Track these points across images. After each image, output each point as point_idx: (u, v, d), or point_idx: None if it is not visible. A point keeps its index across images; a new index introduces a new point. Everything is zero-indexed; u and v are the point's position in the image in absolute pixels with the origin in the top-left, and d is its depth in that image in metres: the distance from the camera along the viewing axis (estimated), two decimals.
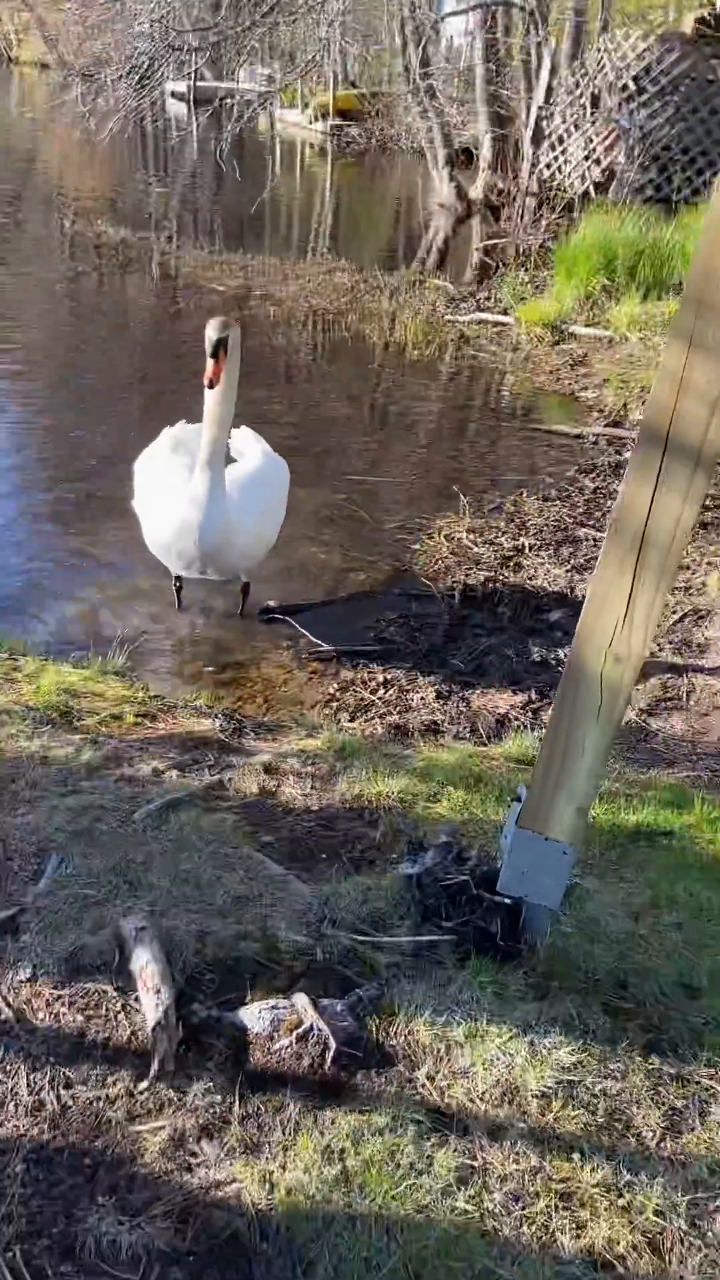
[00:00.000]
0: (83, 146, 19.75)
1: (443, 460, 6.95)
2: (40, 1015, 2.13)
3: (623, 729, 3.84)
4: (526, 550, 5.35)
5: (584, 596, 4.65)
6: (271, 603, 4.78)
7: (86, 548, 5.26)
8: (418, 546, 5.42)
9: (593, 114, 13.61)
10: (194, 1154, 1.90)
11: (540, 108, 13.96)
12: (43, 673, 3.64)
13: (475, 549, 5.35)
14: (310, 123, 25.05)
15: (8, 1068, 2.02)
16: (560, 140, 14.02)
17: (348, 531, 5.60)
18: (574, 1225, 1.83)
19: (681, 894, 2.65)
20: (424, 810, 2.91)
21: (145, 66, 12.00)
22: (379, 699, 4.05)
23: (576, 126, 13.80)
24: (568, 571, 5.13)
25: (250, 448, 4.87)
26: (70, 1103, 1.97)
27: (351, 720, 3.89)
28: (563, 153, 14.05)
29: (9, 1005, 2.14)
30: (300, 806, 2.93)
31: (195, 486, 4.07)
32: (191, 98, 22.19)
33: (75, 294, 10.58)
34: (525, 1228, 1.82)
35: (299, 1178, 1.85)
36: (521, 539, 5.47)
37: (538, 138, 14.06)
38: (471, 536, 5.47)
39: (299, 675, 4.29)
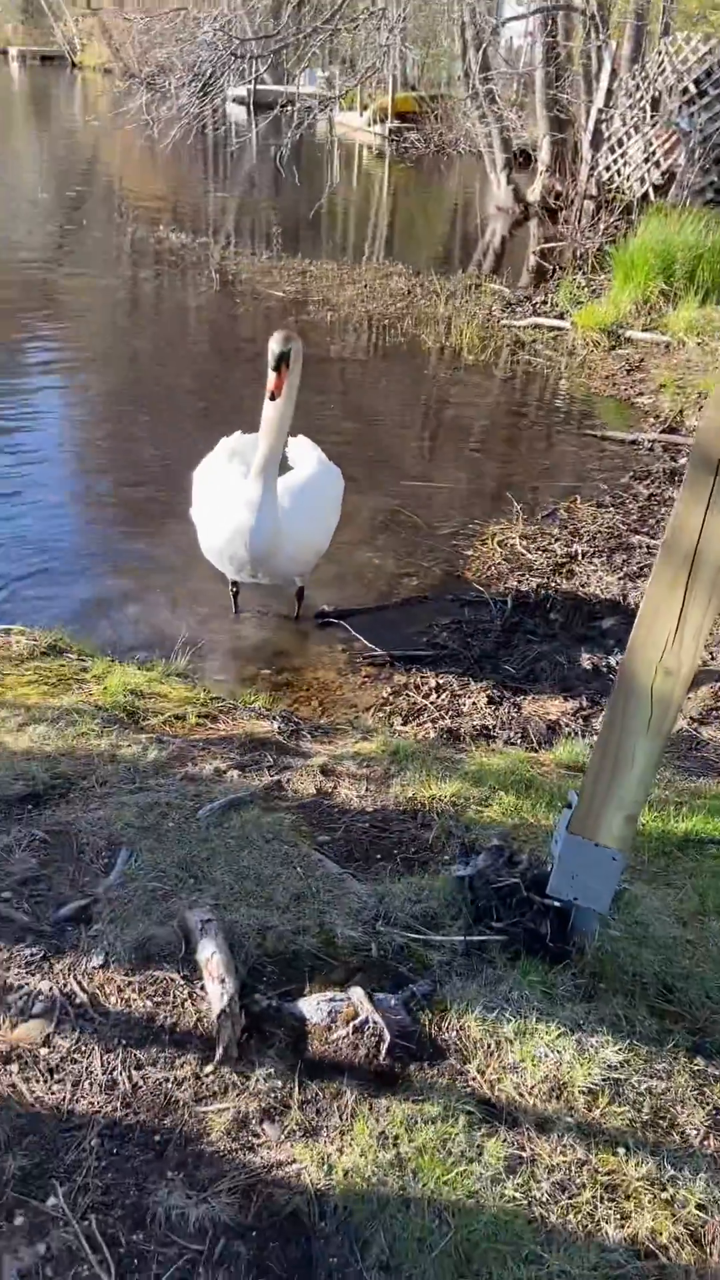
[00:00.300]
0: (144, 151, 20.08)
1: (497, 465, 7.02)
2: (112, 1000, 2.25)
3: (673, 737, 3.89)
4: (579, 557, 5.41)
5: (636, 604, 4.70)
6: (326, 607, 4.90)
7: (147, 551, 5.41)
8: (471, 552, 5.50)
9: (653, 117, 13.56)
10: (256, 1135, 2.01)
11: (600, 111, 13.94)
12: (110, 674, 3.79)
13: (528, 555, 5.41)
14: (369, 126, 25.17)
15: (83, 1048, 2.14)
16: (620, 143, 13.98)
17: (402, 537, 5.69)
18: (618, 1216, 1.91)
19: None
20: (475, 814, 3.00)
21: (208, 74, 12.19)
22: (431, 703, 4.14)
23: (636, 129, 13.74)
24: (620, 579, 5.18)
25: (306, 456, 4.98)
26: (141, 1083, 2.09)
27: (404, 724, 3.99)
28: (622, 155, 14.00)
29: (83, 990, 2.26)
30: (356, 808, 3.03)
31: (248, 493, 4.19)
32: (251, 102, 22.46)
33: (135, 298, 10.80)
34: (571, 1216, 1.90)
35: (356, 1161, 1.95)
36: (575, 546, 5.53)
37: (597, 141, 14.04)
38: (524, 543, 5.54)
39: (353, 679, 4.40)
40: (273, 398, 4.04)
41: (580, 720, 4.02)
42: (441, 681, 4.31)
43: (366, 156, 23.74)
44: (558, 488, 6.46)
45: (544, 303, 10.55)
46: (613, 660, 4.43)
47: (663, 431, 7.38)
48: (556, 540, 5.61)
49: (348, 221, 16.27)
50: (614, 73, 13.89)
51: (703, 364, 8.36)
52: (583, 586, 5.12)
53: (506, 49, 21.30)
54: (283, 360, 3.99)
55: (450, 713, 4.07)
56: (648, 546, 5.52)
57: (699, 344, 8.74)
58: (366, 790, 3.11)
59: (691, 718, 4.01)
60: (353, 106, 26.08)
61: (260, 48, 12.75)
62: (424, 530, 5.78)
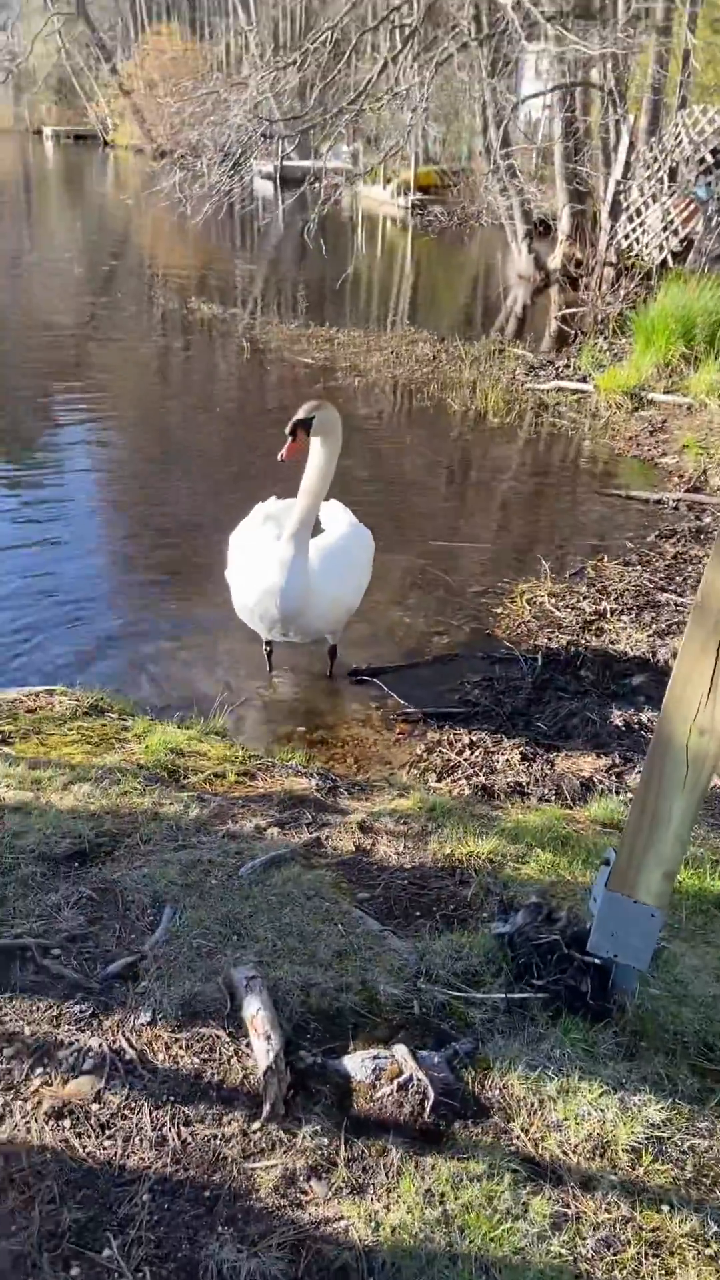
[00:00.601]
0: (175, 227, 20.74)
1: (523, 525, 7.13)
2: (160, 1057, 2.30)
3: (710, 795, 3.91)
4: (608, 615, 5.47)
5: (666, 661, 4.76)
6: (359, 665, 4.98)
7: (183, 612, 5.53)
8: (500, 610, 5.58)
9: (670, 186, 13.88)
10: (304, 1192, 2.04)
11: (618, 182, 14.29)
12: (150, 733, 3.87)
13: (557, 613, 5.49)
14: (392, 199, 25.87)
15: (133, 1104, 2.18)
16: (638, 212, 14.30)
17: (431, 596, 5.78)
18: (663, 1272, 1.92)
19: None
20: (513, 871, 3.04)
21: (239, 154, 12.65)
22: (465, 760, 4.19)
23: (654, 199, 14.07)
24: (649, 636, 5.23)
25: (338, 519, 5.11)
26: (189, 1139, 2.12)
27: (439, 780, 4.04)
28: (640, 224, 14.32)
29: (132, 1046, 2.31)
30: (394, 864, 3.08)
31: (280, 553, 4.31)
32: (278, 178, 23.17)
33: (167, 366, 11.10)
34: (617, 1272, 1.91)
35: (403, 1217, 1.97)
36: (603, 603, 5.60)
37: (616, 210, 14.38)
38: (553, 600, 5.62)
39: (387, 735, 4.46)
40: (282, 460, 4.19)
41: (614, 777, 4.05)
42: (475, 738, 4.37)
43: (390, 228, 24.38)
44: (584, 546, 6.55)
45: (566, 366, 10.75)
46: (644, 717, 4.47)
47: (687, 490, 7.47)
48: (585, 598, 5.69)
49: (372, 291, 16.67)
50: (631, 145, 14.26)
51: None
52: (612, 644, 5.17)
53: (526, 122, 21.92)
54: (299, 426, 4.14)
55: (484, 769, 4.11)
56: (676, 604, 5.58)
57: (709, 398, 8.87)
58: (404, 847, 3.16)
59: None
60: (376, 181, 26.82)
61: (288, 128, 13.25)
62: (453, 589, 5.88)
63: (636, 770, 4.04)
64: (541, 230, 17.37)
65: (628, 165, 14.27)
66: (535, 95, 16.90)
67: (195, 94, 14.54)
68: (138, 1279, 1.87)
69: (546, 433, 9.04)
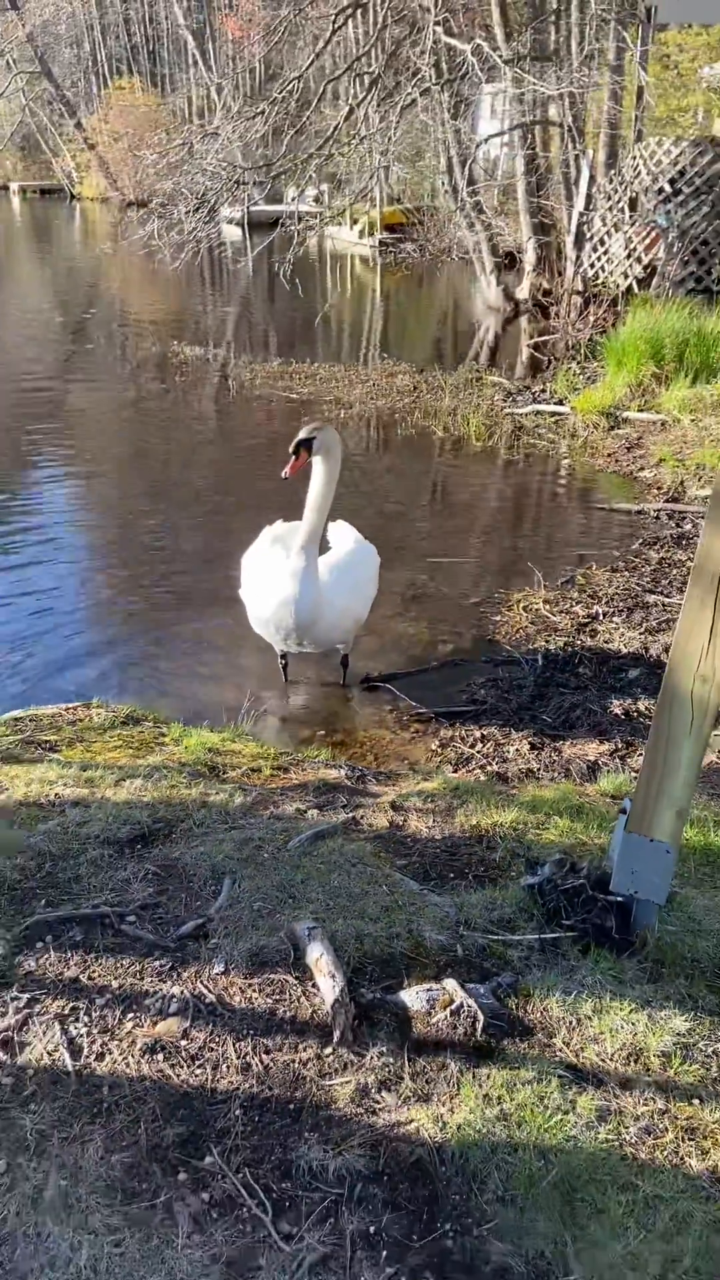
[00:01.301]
0: (145, 274, 21.24)
1: (513, 540, 7.47)
2: (236, 999, 2.56)
3: (706, 770, 4.22)
4: (600, 617, 5.80)
5: (659, 656, 5.07)
6: (371, 672, 5.27)
7: (196, 632, 5.82)
8: (499, 618, 5.90)
9: (632, 216, 14.44)
10: (377, 1102, 2.31)
11: (581, 213, 14.86)
12: (186, 736, 4.15)
13: (553, 618, 5.81)
14: (360, 238, 26.50)
15: (217, 1039, 2.45)
16: (602, 242, 14.85)
17: (433, 607, 6.10)
18: (699, 1151, 2.19)
19: None
20: (535, 836, 3.33)
21: (214, 201, 13.11)
22: (478, 752, 4.48)
23: (617, 228, 14.62)
24: (641, 634, 5.56)
25: (344, 537, 5.43)
26: (271, 1064, 2.39)
27: (454, 771, 4.32)
28: (605, 253, 14.86)
29: (210, 991, 2.58)
30: (426, 836, 3.36)
31: (292, 566, 4.62)
32: (246, 223, 23.79)
33: (154, 409, 11.44)
34: (658, 1153, 2.18)
35: (466, 1118, 2.24)
36: (595, 607, 5.93)
37: (580, 240, 14.94)
38: (548, 607, 5.94)
39: (402, 735, 4.75)
40: (285, 477, 4.51)
41: (618, 760, 4.35)
42: (485, 733, 4.66)
43: (359, 266, 24.97)
44: (573, 556, 6.89)
45: (543, 391, 11.18)
46: (641, 706, 4.78)
47: (666, 501, 7.84)
48: (577, 603, 6.02)
49: (345, 328, 17.12)
50: (592, 178, 14.85)
51: (698, 438, 8.89)
52: (606, 643, 5.49)
53: (486, 159, 22.60)
54: (302, 446, 4.47)
55: (496, 759, 4.41)
56: (664, 604, 5.92)
57: (692, 420, 9.29)
58: (434, 821, 3.44)
59: None
60: (344, 222, 27.47)
61: (258, 175, 13.75)
62: (453, 600, 6.19)
63: (639, 753, 4.34)
64: (508, 263, 17.93)
65: (589, 197, 14.84)
66: (497, 134, 17.53)
67: (166, 145, 15.05)
68: (238, 1178, 2.13)
69: (527, 453, 9.42)
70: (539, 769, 4.30)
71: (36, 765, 3.73)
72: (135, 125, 38.91)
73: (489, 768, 4.32)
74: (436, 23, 13.81)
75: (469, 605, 6.12)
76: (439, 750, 4.56)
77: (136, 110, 41.46)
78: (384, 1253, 2.00)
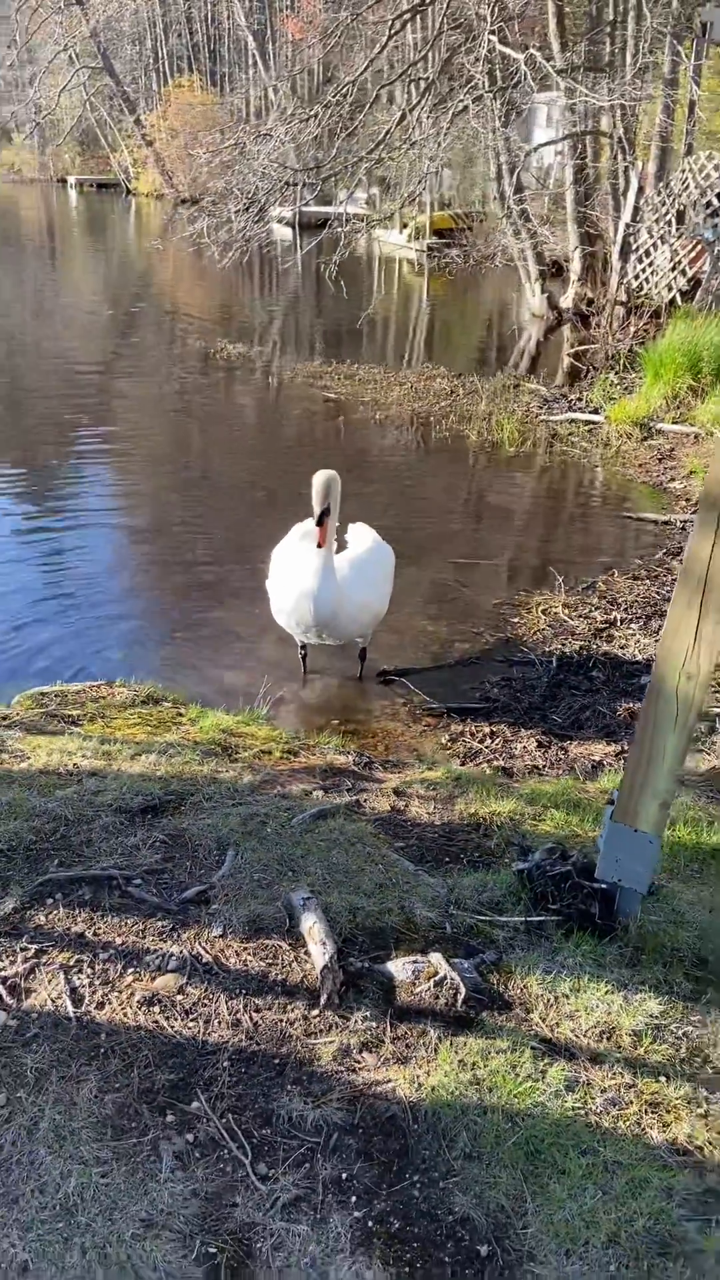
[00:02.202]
0: (195, 271, 21.52)
1: (538, 544, 7.57)
2: (231, 961, 2.70)
3: (707, 775, 4.30)
4: (618, 623, 5.88)
5: None
6: (387, 667, 5.40)
7: (221, 621, 5.97)
8: (517, 619, 6.00)
9: (678, 229, 14.46)
10: (358, 1061, 2.43)
11: (628, 224, 14.90)
12: (203, 718, 4.31)
13: (570, 622, 5.90)
14: (408, 242, 26.63)
15: (211, 996, 2.59)
16: (647, 253, 14.88)
17: (453, 607, 6.21)
18: (661, 1124, 2.30)
19: None
20: (531, 826, 3.44)
21: (265, 201, 13.31)
22: (486, 747, 4.59)
23: (663, 240, 14.65)
24: (657, 642, 5.62)
25: (363, 537, 5.58)
26: (260, 1021, 2.52)
27: (462, 764, 4.43)
28: (650, 265, 14.89)
29: (207, 953, 2.72)
30: (425, 821, 3.48)
31: (312, 562, 4.78)
32: (297, 223, 24.01)
33: (195, 403, 11.64)
34: (621, 1123, 2.29)
35: (441, 1080, 2.36)
36: (613, 613, 6.01)
37: (625, 252, 14.98)
38: (567, 611, 6.04)
39: (414, 728, 4.87)
40: (320, 545, 4.67)
41: (623, 760, 4.43)
42: (494, 729, 4.77)
43: (406, 270, 25.10)
44: (596, 563, 6.97)
45: (579, 399, 11.24)
46: None
47: (693, 512, 7.89)
48: (596, 609, 6.10)
49: (390, 331, 17.25)
50: (640, 189, 14.88)
51: None
52: (622, 648, 5.58)
53: (539, 167, 22.65)
54: (325, 515, 4.62)
55: (504, 755, 4.52)
56: None
57: None
58: (434, 808, 3.56)
59: None
60: (393, 226, 27.61)
61: (309, 177, 13.93)
62: (473, 601, 6.30)
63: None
64: (554, 271, 17.98)
65: (637, 209, 14.88)
66: (547, 143, 17.60)
67: (220, 145, 15.25)
68: (222, 1123, 2.27)
69: (559, 460, 9.50)
70: (544, 766, 4.40)
71: (58, 737, 3.89)
72: (192, 123, 39.34)
73: (495, 762, 4.43)
74: (492, 31, 13.92)
75: (489, 606, 6.23)
76: (448, 744, 4.67)
77: (194, 108, 41.87)
78: (353, 1197, 2.12)
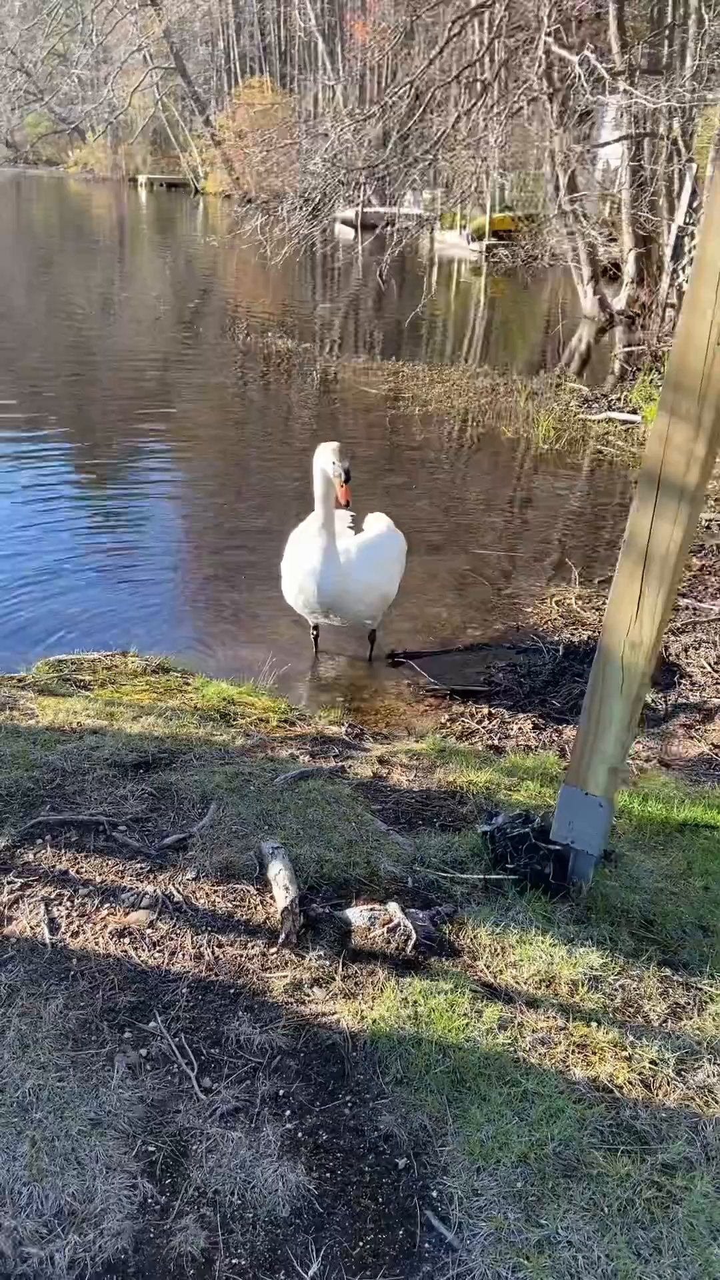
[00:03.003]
0: (257, 268, 21.83)
1: (560, 539, 7.66)
2: (201, 901, 2.89)
3: (694, 760, 4.40)
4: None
5: (677, 655, 5.23)
6: (397, 649, 5.56)
7: (243, 603, 6.18)
8: (529, 609, 6.12)
9: None
10: (308, 995, 2.60)
11: (681, 226, 14.85)
12: (207, 686, 4.51)
13: (583, 613, 6.01)
14: (467, 243, 26.73)
15: (178, 931, 2.77)
16: None
17: (469, 596, 6.35)
18: (585, 1063, 2.43)
19: (714, 867, 3.22)
20: (505, 795, 3.58)
21: (320, 200, 13.54)
22: (483, 727, 4.73)
23: None
24: (666, 635, 5.71)
25: (377, 524, 5.74)
26: (220, 955, 2.70)
27: (457, 742, 4.57)
28: None
29: (179, 893, 2.90)
30: (404, 787, 3.64)
31: (317, 541, 4.96)
32: (358, 223, 24.22)
33: (245, 395, 11.91)
34: (547, 1061, 2.43)
35: (382, 1014, 2.52)
36: None
37: (678, 253, 14.93)
38: (580, 602, 6.14)
39: (416, 707, 5.02)
40: (346, 505, 4.82)
41: None
42: (493, 711, 4.90)
43: (464, 271, 25.20)
44: (616, 558, 7.04)
45: (619, 399, 11.28)
46: (649, 698, 4.96)
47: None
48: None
49: (447, 330, 17.40)
50: (695, 191, 14.83)
51: None
52: None
53: (604, 169, 22.59)
54: (347, 474, 4.78)
55: (499, 735, 4.65)
56: (694, 609, 6.06)
57: None
58: (414, 776, 3.72)
59: (713, 744, 4.51)
60: (452, 226, 27.73)
61: (368, 176, 14.12)
62: (491, 590, 6.44)
63: (636, 739, 4.53)
64: (611, 273, 17.97)
65: (691, 211, 14.82)
66: (602, 144, 17.58)
67: (281, 144, 15.53)
68: (174, 1042, 2.45)
69: (593, 458, 9.57)
70: (536, 746, 4.53)
71: (67, 699, 4.12)
72: (261, 123, 39.86)
73: (490, 741, 4.57)
74: (548, 33, 13.98)
75: (504, 596, 6.36)
76: (447, 724, 4.82)
77: (263, 109, 42.37)
78: (288, 1111, 2.29)
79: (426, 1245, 2.03)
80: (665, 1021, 2.58)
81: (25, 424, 10.17)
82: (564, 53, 13.77)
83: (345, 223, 26.31)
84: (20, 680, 4.41)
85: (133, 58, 46.15)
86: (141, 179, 52.66)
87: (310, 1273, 1.97)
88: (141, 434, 9.92)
